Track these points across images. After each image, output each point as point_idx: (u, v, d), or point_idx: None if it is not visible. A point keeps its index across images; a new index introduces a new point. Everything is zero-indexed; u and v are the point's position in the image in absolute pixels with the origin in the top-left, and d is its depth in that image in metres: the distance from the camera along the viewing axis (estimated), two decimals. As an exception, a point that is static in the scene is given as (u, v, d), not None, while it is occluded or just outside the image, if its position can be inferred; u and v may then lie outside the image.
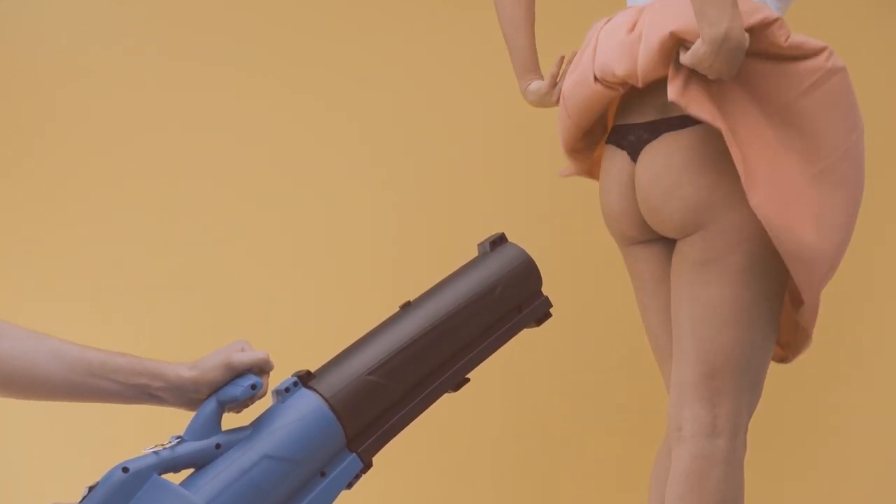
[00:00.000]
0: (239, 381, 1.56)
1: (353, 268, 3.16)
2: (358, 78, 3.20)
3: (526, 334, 2.81)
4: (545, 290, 1.79)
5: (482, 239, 1.80)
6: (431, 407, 1.66)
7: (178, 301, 3.10)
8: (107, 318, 3.04)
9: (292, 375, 1.60)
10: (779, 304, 1.99)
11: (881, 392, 3.15)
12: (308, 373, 1.60)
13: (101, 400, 1.56)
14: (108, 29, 3.19)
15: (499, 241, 1.78)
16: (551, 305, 1.79)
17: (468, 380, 1.72)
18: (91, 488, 1.48)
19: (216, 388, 1.57)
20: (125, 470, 1.48)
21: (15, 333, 1.54)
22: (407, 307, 1.69)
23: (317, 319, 3.06)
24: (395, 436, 1.64)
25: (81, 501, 1.46)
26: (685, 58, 1.88)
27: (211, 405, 1.56)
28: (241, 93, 3.19)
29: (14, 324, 1.55)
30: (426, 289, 1.72)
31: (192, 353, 1.65)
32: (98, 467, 1.50)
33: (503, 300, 1.74)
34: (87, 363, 1.54)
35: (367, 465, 1.61)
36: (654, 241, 2.11)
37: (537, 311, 1.78)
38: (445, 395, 1.69)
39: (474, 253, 1.78)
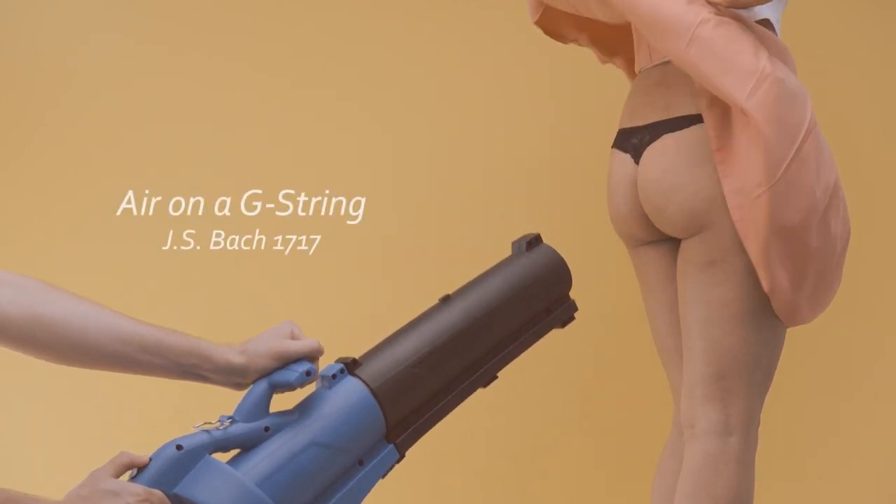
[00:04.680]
0: (293, 367, 1.56)
1: (368, 262, 3.11)
2: (367, 73, 3.16)
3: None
4: None
5: (504, 235, 1.80)
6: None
7: (179, 300, 3.03)
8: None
9: (337, 361, 1.60)
10: None
11: (881, 392, 3.17)
12: (354, 360, 1.60)
13: (147, 373, 1.55)
14: (112, 20, 3.12)
15: (535, 241, 1.80)
16: (577, 309, 1.82)
17: (497, 377, 1.74)
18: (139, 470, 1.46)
19: (264, 375, 1.57)
20: (179, 447, 1.47)
21: (70, 301, 1.52)
22: (447, 300, 1.70)
23: (321, 317, 2.98)
24: (429, 429, 1.65)
25: (134, 477, 1.45)
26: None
27: (262, 387, 1.55)
28: (245, 87, 3.13)
29: (68, 291, 1.53)
30: (451, 284, 1.74)
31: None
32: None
33: (537, 301, 1.76)
34: (140, 338, 1.53)
35: (401, 457, 1.62)
36: (661, 241, 2.12)
37: (564, 313, 1.81)
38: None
39: (486, 246, 1.79)
